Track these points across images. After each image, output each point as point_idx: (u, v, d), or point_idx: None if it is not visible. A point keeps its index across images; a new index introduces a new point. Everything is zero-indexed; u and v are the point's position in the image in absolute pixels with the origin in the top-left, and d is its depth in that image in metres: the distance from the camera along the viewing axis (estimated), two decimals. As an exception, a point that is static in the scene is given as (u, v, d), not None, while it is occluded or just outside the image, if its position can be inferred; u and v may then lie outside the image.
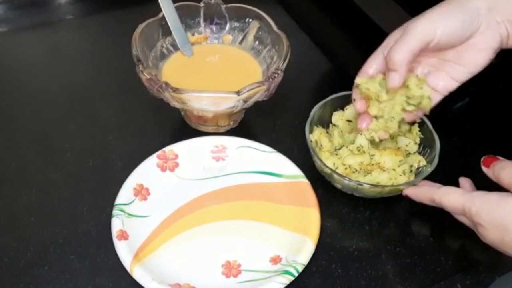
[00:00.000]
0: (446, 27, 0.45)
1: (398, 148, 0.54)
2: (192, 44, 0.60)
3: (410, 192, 0.49)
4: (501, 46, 0.47)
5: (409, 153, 0.54)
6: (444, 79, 0.48)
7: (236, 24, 0.61)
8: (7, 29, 0.74)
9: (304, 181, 0.52)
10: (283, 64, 0.54)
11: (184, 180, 0.53)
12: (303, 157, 0.55)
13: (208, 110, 0.54)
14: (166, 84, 0.50)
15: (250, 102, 0.53)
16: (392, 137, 0.54)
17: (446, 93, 0.49)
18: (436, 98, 0.49)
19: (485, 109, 0.64)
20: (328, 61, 0.72)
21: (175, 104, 0.53)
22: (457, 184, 0.55)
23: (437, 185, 0.48)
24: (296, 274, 0.45)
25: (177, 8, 0.58)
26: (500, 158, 0.47)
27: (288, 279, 0.45)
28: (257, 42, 0.60)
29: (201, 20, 0.61)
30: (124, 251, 0.46)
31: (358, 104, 0.50)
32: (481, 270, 0.48)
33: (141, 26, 0.56)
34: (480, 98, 0.65)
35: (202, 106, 0.53)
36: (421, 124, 0.54)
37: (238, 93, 0.50)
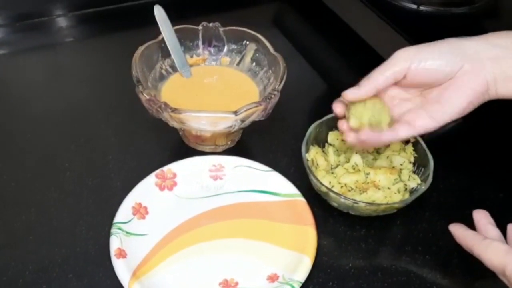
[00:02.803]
0: (425, 58, 0.45)
1: (393, 167, 0.54)
2: (191, 65, 0.62)
3: (454, 230, 0.47)
4: (487, 92, 0.45)
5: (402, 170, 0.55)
6: (423, 117, 0.47)
7: (234, 46, 0.63)
8: (9, 52, 0.75)
9: (301, 199, 0.53)
10: (279, 85, 0.55)
11: (182, 199, 0.54)
12: (300, 176, 0.55)
13: (206, 130, 0.55)
14: (165, 104, 0.51)
15: (247, 122, 0.54)
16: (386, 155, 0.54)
17: (422, 131, 0.48)
18: (411, 133, 0.48)
19: (479, 128, 0.65)
20: (323, 82, 0.73)
21: (173, 124, 0.54)
22: (453, 201, 0.56)
23: (481, 236, 0.45)
24: (293, 292, 0.46)
25: (176, 31, 0.60)
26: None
27: (285, 297, 0.45)
28: (254, 64, 0.62)
29: (200, 43, 0.63)
30: (122, 270, 0.46)
31: (338, 108, 0.50)
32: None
33: (141, 48, 0.57)
34: (474, 117, 0.66)
35: (200, 126, 0.54)
36: (415, 144, 0.55)
37: (235, 113, 0.51)
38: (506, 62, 0.45)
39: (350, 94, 0.48)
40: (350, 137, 0.49)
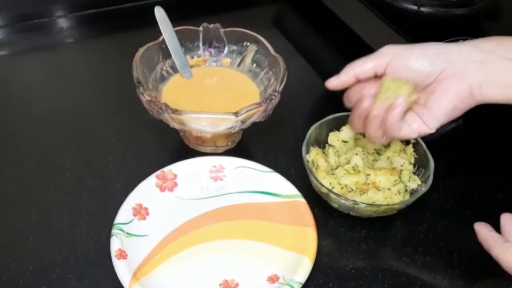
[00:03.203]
0: (409, 55, 0.46)
1: (393, 168, 0.54)
2: (191, 66, 0.62)
3: (479, 229, 0.46)
4: (472, 96, 0.45)
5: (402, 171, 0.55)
6: (416, 121, 0.47)
7: (234, 47, 0.63)
8: (9, 52, 0.76)
9: (301, 200, 0.53)
10: (280, 86, 0.55)
11: (183, 199, 0.54)
12: (300, 177, 0.55)
13: (206, 131, 0.55)
14: (166, 105, 0.51)
15: (247, 123, 0.54)
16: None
17: (418, 135, 0.48)
18: (408, 134, 0.48)
19: (479, 129, 0.65)
20: (324, 83, 0.73)
21: (174, 125, 0.54)
22: (453, 202, 0.56)
23: (503, 239, 0.44)
24: (294, 293, 0.46)
25: (176, 32, 0.60)
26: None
27: (286, 298, 0.45)
28: (254, 65, 0.62)
29: (200, 44, 0.63)
30: (123, 270, 0.46)
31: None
32: (477, 288, 0.49)
33: (141, 50, 0.57)
34: (474, 118, 0.66)
35: (200, 127, 0.54)
36: (416, 145, 0.55)
37: (236, 114, 0.51)
38: (490, 66, 0.45)
39: (330, 82, 0.50)
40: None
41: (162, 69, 0.60)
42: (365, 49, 0.71)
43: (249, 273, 0.48)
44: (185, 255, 0.49)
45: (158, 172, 0.54)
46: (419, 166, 0.55)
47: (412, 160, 0.55)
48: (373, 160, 0.56)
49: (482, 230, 0.46)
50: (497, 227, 0.46)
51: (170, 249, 0.50)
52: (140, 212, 0.52)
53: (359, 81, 0.49)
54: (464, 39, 0.62)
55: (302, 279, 0.47)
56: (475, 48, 0.46)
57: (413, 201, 0.51)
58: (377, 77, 0.49)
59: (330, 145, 0.57)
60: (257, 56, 0.61)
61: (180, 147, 0.61)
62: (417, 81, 0.47)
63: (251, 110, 0.52)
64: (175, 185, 0.54)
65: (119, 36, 0.77)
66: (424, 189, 0.51)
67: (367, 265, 0.50)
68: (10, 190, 0.55)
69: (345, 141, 0.57)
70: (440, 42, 0.48)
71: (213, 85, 0.61)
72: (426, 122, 0.47)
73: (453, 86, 0.45)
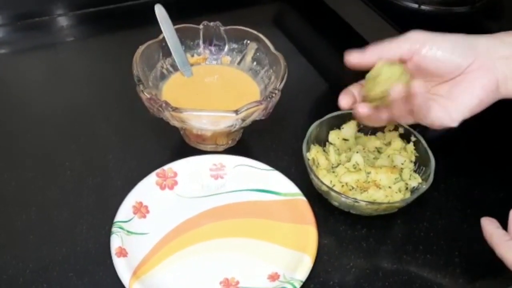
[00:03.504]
0: (438, 45, 0.44)
1: (394, 166, 0.54)
2: (192, 65, 0.62)
3: (485, 225, 0.45)
4: (497, 90, 0.45)
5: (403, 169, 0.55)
6: (440, 110, 0.45)
7: (235, 45, 0.63)
8: (10, 51, 0.76)
9: (302, 198, 0.53)
10: (280, 84, 0.55)
11: (183, 198, 0.54)
12: (301, 175, 0.55)
13: (207, 129, 0.55)
14: (166, 103, 0.51)
15: (248, 121, 0.54)
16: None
17: (441, 125, 0.45)
18: (436, 120, 0.45)
19: (480, 127, 0.64)
20: (324, 81, 0.73)
21: (174, 123, 0.54)
22: (454, 201, 0.56)
23: (508, 237, 0.43)
24: (294, 291, 0.46)
25: (177, 30, 0.60)
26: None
27: (286, 296, 0.45)
28: (255, 63, 0.62)
29: (201, 42, 0.62)
30: (123, 268, 0.46)
31: (344, 100, 0.48)
32: (478, 287, 0.48)
33: (141, 48, 0.57)
34: (475, 116, 0.66)
35: (201, 125, 0.54)
36: (416, 143, 0.55)
37: (236, 112, 0.51)
38: None
39: (352, 57, 0.46)
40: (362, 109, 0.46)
41: (162, 67, 0.60)
42: (365, 47, 0.71)
43: (250, 271, 0.48)
44: (186, 253, 0.49)
45: (158, 170, 0.54)
46: (420, 164, 0.55)
47: (413, 158, 0.55)
48: (373, 158, 0.56)
49: (488, 226, 0.45)
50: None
51: (170, 247, 0.49)
52: (140, 210, 0.52)
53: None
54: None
55: (302, 277, 0.47)
56: (501, 43, 0.45)
57: (413, 199, 0.51)
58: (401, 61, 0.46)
59: (331, 143, 0.57)
60: (258, 54, 0.61)
61: (180, 145, 0.61)
62: (443, 72, 0.45)
63: (251, 108, 0.52)
64: (175, 183, 0.54)
65: (119, 34, 0.77)
66: (425, 187, 0.51)
67: (367, 263, 0.50)
68: (10, 189, 0.55)
69: (345, 139, 0.57)
70: (464, 34, 0.46)
71: (214, 83, 0.61)
72: (450, 114, 0.45)
73: (481, 80, 0.44)
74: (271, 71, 0.59)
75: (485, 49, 0.45)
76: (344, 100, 0.48)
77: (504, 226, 0.46)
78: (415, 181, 0.53)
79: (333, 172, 0.54)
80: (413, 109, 0.45)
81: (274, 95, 0.53)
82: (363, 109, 0.46)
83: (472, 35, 0.46)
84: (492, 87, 0.44)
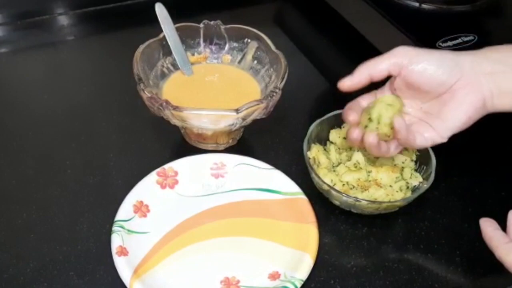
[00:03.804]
0: (425, 60, 0.45)
1: (395, 165, 0.54)
2: (192, 63, 0.62)
3: (484, 226, 0.44)
4: (484, 106, 0.46)
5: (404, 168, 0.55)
6: (429, 130, 0.47)
7: (235, 44, 0.62)
8: (10, 50, 0.75)
9: (303, 197, 0.53)
10: (281, 83, 0.55)
11: (184, 197, 0.54)
12: (301, 174, 0.55)
13: (207, 128, 0.55)
14: (167, 102, 0.51)
15: (248, 120, 0.54)
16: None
17: (431, 144, 0.47)
18: (424, 143, 0.47)
19: (481, 126, 0.64)
20: (325, 80, 0.73)
21: (175, 122, 0.54)
22: (455, 200, 0.56)
23: (507, 239, 0.43)
24: (295, 290, 0.46)
25: (177, 29, 0.60)
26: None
27: (287, 295, 0.45)
28: (255, 62, 0.61)
29: (201, 41, 0.62)
30: (123, 267, 0.46)
31: (351, 116, 0.48)
32: (479, 286, 0.48)
33: (142, 46, 0.57)
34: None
35: (201, 124, 0.54)
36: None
37: (237, 111, 0.51)
38: (502, 77, 0.45)
39: (344, 83, 0.47)
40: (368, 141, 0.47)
41: (162, 66, 0.60)
42: (366, 46, 0.71)
43: (250, 270, 0.48)
44: (186, 252, 0.49)
45: (159, 169, 0.54)
46: (421, 163, 0.54)
47: (414, 157, 0.55)
48: (374, 157, 0.56)
49: (487, 228, 0.45)
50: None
51: (171, 246, 0.49)
52: (141, 209, 0.52)
53: (372, 81, 0.48)
54: (465, 36, 0.62)
55: (303, 276, 0.47)
56: (485, 59, 0.46)
57: (414, 198, 0.51)
58: (389, 77, 0.48)
59: (332, 142, 0.57)
60: (258, 53, 0.61)
61: (181, 144, 0.60)
62: (430, 87, 0.46)
63: (252, 107, 0.52)
64: (176, 182, 0.54)
65: (120, 33, 0.77)
66: (425, 186, 0.51)
67: (368, 262, 0.50)
68: (10, 187, 0.55)
69: (346, 138, 0.57)
70: (454, 51, 0.47)
71: (214, 82, 0.61)
72: (439, 132, 0.46)
73: (468, 98, 0.45)
74: (272, 70, 0.59)
75: (470, 66, 0.45)
76: (351, 117, 0.48)
77: (504, 226, 0.46)
78: (416, 180, 0.53)
79: (334, 171, 0.54)
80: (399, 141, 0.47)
81: (274, 94, 0.53)
82: (369, 139, 0.47)
83: (457, 52, 0.47)
84: (479, 103, 0.45)
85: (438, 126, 0.46)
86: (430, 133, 0.47)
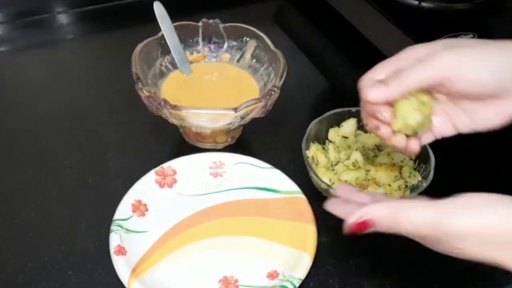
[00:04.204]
0: (474, 73, 0.38)
1: (394, 164, 0.54)
2: (191, 62, 0.62)
3: (333, 209, 0.40)
4: None
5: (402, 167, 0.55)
6: (442, 122, 0.42)
7: (234, 43, 0.62)
8: (10, 49, 0.75)
9: (301, 196, 0.53)
10: (279, 81, 0.55)
11: (182, 196, 0.54)
12: (300, 173, 0.55)
13: (206, 127, 0.55)
14: (165, 101, 0.51)
15: (247, 119, 0.54)
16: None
17: (439, 136, 0.43)
18: (430, 139, 0.43)
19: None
20: (324, 79, 0.73)
21: (173, 121, 0.54)
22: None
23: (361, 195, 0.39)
24: (293, 289, 0.46)
25: (176, 28, 0.59)
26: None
27: (285, 294, 0.45)
28: (254, 60, 0.61)
29: (200, 39, 0.62)
30: (122, 267, 0.46)
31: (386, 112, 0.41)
32: (479, 285, 0.48)
33: (140, 45, 0.57)
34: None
35: (200, 123, 0.54)
36: (416, 140, 0.55)
37: (235, 110, 0.51)
38: None
39: (375, 94, 0.39)
40: (398, 142, 0.41)
41: (161, 64, 0.60)
42: (365, 45, 0.71)
43: (249, 270, 0.48)
44: (185, 252, 0.49)
45: (157, 168, 0.54)
46: (420, 162, 0.54)
47: (413, 156, 0.55)
48: (373, 156, 0.56)
49: (337, 210, 0.40)
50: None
51: (169, 246, 0.49)
52: (139, 208, 0.52)
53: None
54: (465, 34, 0.62)
55: (302, 275, 0.47)
56: None
57: (413, 197, 0.51)
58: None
59: (330, 141, 0.57)
60: (257, 51, 0.61)
61: (179, 143, 0.60)
62: (475, 95, 0.39)
63: (250, 105, 0.52)
64: (175, 181, 0.54)
65: (118, 32, 0.77)
66: (424, 185, 0.51)
67: (367, 261, 0.50)
68: (9, 186, 0.55)
69: (345, 137, 0.57)
70: (493, 45, 0.39)
71: (213, 80, 0.61)
72: (457, 127, 0.42)
73: (509, 110, 0.40)
74: (271, 68, 0.59)
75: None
76: (386, 113, 0.40)
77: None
78: (415, 179, 0.53)
79: (333, 170, 0.54)
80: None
81: (273, 92, 0.53)
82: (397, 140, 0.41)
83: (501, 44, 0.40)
84: None
85: (460, 122, 0.41)
86: (443, 125, 0.42)
